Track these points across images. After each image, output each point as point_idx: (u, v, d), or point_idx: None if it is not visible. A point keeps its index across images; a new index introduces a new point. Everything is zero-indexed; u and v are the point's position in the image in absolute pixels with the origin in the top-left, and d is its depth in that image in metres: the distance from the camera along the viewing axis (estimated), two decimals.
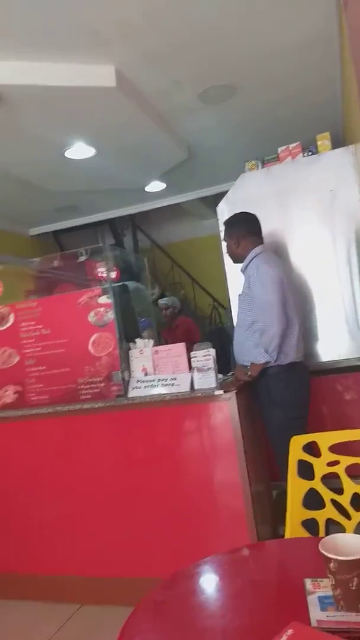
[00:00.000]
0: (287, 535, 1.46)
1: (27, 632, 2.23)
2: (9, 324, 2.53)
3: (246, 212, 2.57)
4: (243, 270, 2.48)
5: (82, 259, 2.98)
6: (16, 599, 2.50)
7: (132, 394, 2.35)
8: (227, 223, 2.59)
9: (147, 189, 4.58)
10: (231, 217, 2.59)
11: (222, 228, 2.70)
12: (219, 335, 4.85)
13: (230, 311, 3.01)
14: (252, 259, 2.43)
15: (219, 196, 3.33)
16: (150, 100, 3.03)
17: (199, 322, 5.83)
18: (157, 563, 2.26)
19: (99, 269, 2.63)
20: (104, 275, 2.53)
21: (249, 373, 2.33)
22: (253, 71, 2.85)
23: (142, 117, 3.04)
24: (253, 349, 2.33)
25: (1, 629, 2.29)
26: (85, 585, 2.38)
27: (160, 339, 3.85)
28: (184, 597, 1.10)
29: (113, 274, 2.50)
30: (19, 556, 2.53)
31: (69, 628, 2.22)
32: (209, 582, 1.18)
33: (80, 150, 3.42)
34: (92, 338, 2.40)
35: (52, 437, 2.47)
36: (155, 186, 4.54)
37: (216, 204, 3.10)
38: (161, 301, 4.76)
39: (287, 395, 2.35)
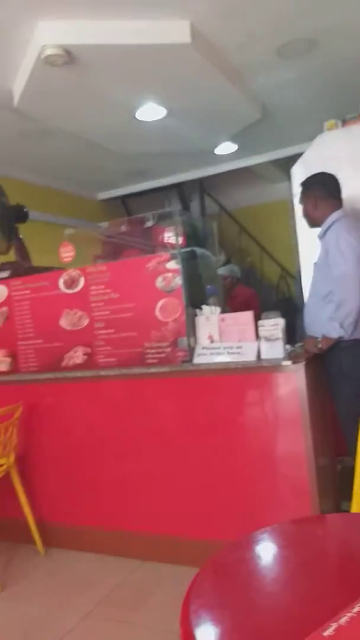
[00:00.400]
0: (354, 510, 1.42)
1: (91, 582, 2.35)
2: (79, 287, 2.58)
3: (326, 173, 2.43)
4: (321, 237, 2.36)
5: (149, 224, 2.96)
6: (84, 550, 2.64)
7: (197, 360, 2.34)
8: (305, 184, 2.46)
9: (218, 151, 4.46)
10: (309, 177, 2.46)
11: (295, 192, 2.57)
12: (286, 307, 4.72)
13: (300, 281, 2.90)
14: (331, 225, 2.30)
15: (293, 158, 3.17)
16: (224, 56, 2.90)
17: (265, 292, 5.70)
18: (218, 527, 2.29)
19: (167, 235, 2.60)
20: (172, 241, 2.50)
21: (319, 346, 2.25)
22: (337, 23, 2.63)
23: (216, 74, 2.92)
24: (326, 321, 2.23)
25: (68, 578, 2.44)
26: (147, 543, 2.46)
27: (226, 307, 3.81)
28: (249, 562, 1.09)
29: (181, 240, 2.47)
30: (87, 511, 2.65)
31: (130, 581, 2.32)
32: (273, 549, 1.18)
33: (151, 111, 3.36)
34: (160, 303, 2.40)
35: (118, 398, 2.53)
36: (226, 148, 4.41)
37: (289, 167, 2.96)
38: (220, 270, 4.68)
39: (358, 370, 2.25)
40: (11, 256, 3.10)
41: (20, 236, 3.06)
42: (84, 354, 2.59)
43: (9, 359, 2.80)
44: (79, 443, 2.64)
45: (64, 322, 2.63)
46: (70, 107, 3.20)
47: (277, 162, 5.09)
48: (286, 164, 4.07)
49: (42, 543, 2.70)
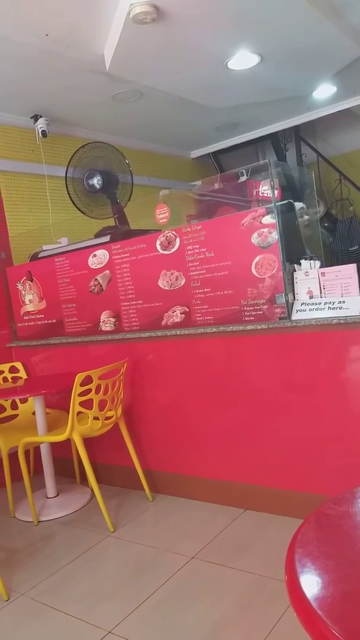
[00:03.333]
0: None
1: (196, 527, 2.49)
2: (175, 248, 2.62)
3: None
4: None
5: (242, 179, 2.89)
6: (189, 497, 2.80)
7: (295, 316, 2.30)
8: None
9: (315, 94, 4.18)
10: None
11: None
12: None
13: None
14: None
15: None
16: None
17: None
18: (320, 481, 2.30)
19: (261, 188, 2.53)
20: (267, 194, 2.43)
21: None
22: None
23: (312, 11, 2.71)
24: None
25: (174, 523, 2.60)
26: (250, 493, 2.54)
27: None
28: (354, 516, 1.09)
29: (276, 193, 2.38)
30: (191, 461, 2.78)
31: (233, 529, 2.42)
32: None
33: (243, 60, 3.22)
34: (255, 260, 2.37)
35: (217, 355, 2.58)
36: (324, 91, 4.12)
37: None
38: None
39: None
40: (110, 221, 3.21)
41: (118, 200, 3.15)
42: (182, 313, 2.65)
43: (113, 319, 2.96)
44: (181, 397, 2.75)
45: (162, 283, 2.70)
46: (161, 64, 3.16)
47: None
48: None
49: (149, 490, 2.89)
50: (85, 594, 2.06)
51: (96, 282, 3.00)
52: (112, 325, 2.97)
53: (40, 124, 3.71)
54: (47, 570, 2.28)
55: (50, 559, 2.37)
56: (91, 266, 3.00)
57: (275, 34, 2.97)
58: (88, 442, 2.88)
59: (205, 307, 2.56)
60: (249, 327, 2.40)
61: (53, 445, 3.07)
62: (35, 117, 3.73)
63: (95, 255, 2.98)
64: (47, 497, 3.02)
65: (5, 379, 3.38)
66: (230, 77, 3.47)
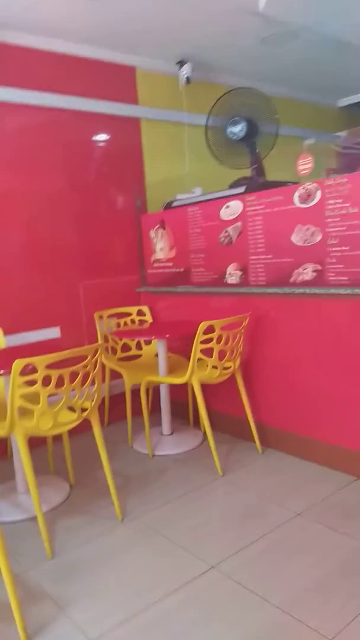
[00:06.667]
0: None
1: (304, 486, 2.49)
2: (314, 202, 2.50)
3: None
4: None
5: None
6: (299, 456, 2.79)
7: None
8: None
9: None
10: None
11: None
12: None
13: None
14: None
15: None
16: None
17: None
18: None
19: None
20: None
21: None
22: None
23: None
24: None
25: (282, 478, 2.62)
26: None
27: None
28: None
29: None
30: (305, 421, 2.75)
31: (342, 495, 2.37)
32: None
33: None
34: None
35: (346, 318, 2.46)
36: None
37: None
38: None
39: None
40: (246, 172, 3.14)
41: (257, 150, 3.06)
42: (314, 271, 2.55)
43: (239, 272, 2.95)
44: (301, 357, 2.70)
45: (296, 238, 2.61)
46: (321, 1, 2.93)
47: None
48: None
49: (260, 443, 2.93)
50: (193, 527, 2.18)
51: (226, 234, 2.99)
52: (237, 278, 2.96)
53: (185, 70, 3.69)
54: (159, 500, 2.44)
55: (162, 490, 2.54)
56: (223, 217, 2.99)
57: None
58: (204, 388, 2.97)
59: (341, 266, 2.43)
60: None
61: (171, 388, 3.23)
62: (181, 63, 3.70)
63: (228, 207, 2.96)
64: (162, 434, 3.20)
65: (132, 321, 3.58)
66: None
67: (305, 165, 2.54)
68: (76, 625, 1.64)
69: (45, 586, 1.85)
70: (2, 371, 2.06)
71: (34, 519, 2.30)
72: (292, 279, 2.66)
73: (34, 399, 2.03)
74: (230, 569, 1.88)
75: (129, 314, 3.59)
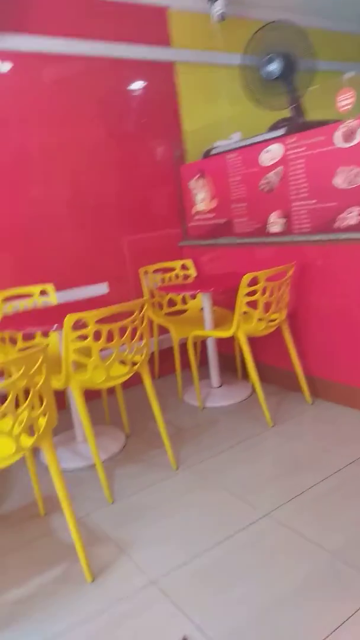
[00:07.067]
0: None
1: (356, 435, 2.48)
2: (357, 140, 2.36)
3: None
4: None
5: None
6: (349, 406, 2.77)
7: None
8: None
9: None
10: None
11: None
12: None
13: None
14: None
15: None
16: None
17: None
18: None
19: None
20: None
21: None
22: None
23: None
24: None
25: (333, 428, 2.62)
26: None
27: None
28: None
29: None
30: (356, 370, 2.71)
31: None
32: None
33: None
34: None
35: None
36: None
37: None
38: None
39: None
40: (285, 113, 2.98)
41: (296, 88, 2.89)
42: (359, 215, 2.44)
43: (282, 220, 2.86)
44: (350, 305, 2.63)
45: (339, 180, 2.49)
46: None
47: None
48: None
49: (309, 393, 2.93)
50: (245, 477, 2.25)
51: (267, 180, 2.89)
52: (280, 226, 2.88)
53: (218, 7, 3.48)
54: (211, 450, 2.52)
55: (214, 440, 2.61)
56: (263, 163, 2.89)
57: None
58: (251, 341, 2.97)
59: None
60: None
61: (218, 341, 3.25)
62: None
63: (268, 151, 2.84)
64: (212, 387, 3.26)
65: (176, 276, 3.58)
66: None
67: (346, 100, 2.38)
68: (137, 566, 1.75)
69: (107, 529, 1.98)
70: (55, 326, 2.14)
71: (92, 466, 2.44)
72: (336, 224, 2.56)
73: (87, 353, 2.11)
74: (286, 516, 1.93)
75: (172, 269, 3.60)
